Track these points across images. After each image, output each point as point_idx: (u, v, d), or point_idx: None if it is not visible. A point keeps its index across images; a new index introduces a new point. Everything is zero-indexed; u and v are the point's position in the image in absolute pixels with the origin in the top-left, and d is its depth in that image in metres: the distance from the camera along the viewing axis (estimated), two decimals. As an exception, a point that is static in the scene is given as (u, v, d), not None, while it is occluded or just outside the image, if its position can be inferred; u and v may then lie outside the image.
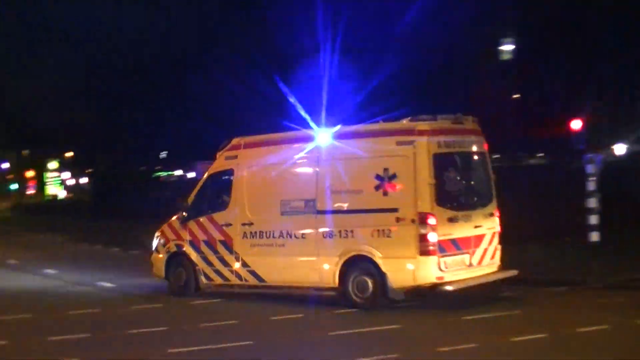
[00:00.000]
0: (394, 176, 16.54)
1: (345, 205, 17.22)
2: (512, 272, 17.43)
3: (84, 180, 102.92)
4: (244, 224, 18.62)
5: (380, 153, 16.84)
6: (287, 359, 13.09)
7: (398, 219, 16.36)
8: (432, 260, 16.05)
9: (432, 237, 16.03)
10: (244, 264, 18.53)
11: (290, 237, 17.86)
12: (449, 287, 16.15)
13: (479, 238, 16.93)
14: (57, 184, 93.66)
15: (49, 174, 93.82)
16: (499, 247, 17.42)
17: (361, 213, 16.94)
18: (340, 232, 17.09)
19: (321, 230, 17.38)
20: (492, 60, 37.67)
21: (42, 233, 44.00)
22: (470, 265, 16.74)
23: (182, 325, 16.05)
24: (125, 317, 17.38)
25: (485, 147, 17.76)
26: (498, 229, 17.43)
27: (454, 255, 16.41)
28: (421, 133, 16.46)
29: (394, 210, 16.43)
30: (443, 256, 16.17)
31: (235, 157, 19.13)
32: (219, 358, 13.20)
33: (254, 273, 18.45)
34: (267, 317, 16.35)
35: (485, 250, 17.08)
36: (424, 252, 16.04)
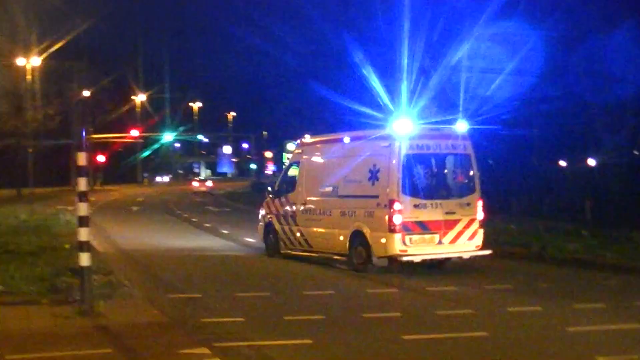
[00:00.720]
0: (378, 170, 21.45)
1: (353, 192, 22.31)
2: (487, 252, 21.62)
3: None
4: (302, 203, 24.47)
5: (373, 152, 21.82)
6: (522, 355, 12.62)
7: (378, 204, 21.27)
8: (397, 236, 20.67)
9: (397, 219, 20.69)
10: (302, 234, 24.33)
11: (325, 214, 23.51)
12: (406, 258, 20.79)
13: (452, 222, 21.21)
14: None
15: (287, 155, 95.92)
16: (480, 230, 21.47)
17: (360, 198, 22.00)
18: (349, 212, 22.30)
19: (340, 209, 22.70)
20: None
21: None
22: (441, 243, 21.02)
23: (417, 312, 16.01)
24: (359, 301, 17.53)
25: (470, 149, 21.89)
26: (479, 216, 21.51)
27: (421, 234, 20.89)
28: (397, 137, 20.96)
29: (376, 197, 21.36)
30: (408, 234, 20.74)
31: (302, 152, 25.67)
32: (453, 348, 12.88)
33: (306, 241, 24.23)
34: (504, 308, 15.97)
35: (460, 233, 21.28)
36: (391, 229, 20.72)
